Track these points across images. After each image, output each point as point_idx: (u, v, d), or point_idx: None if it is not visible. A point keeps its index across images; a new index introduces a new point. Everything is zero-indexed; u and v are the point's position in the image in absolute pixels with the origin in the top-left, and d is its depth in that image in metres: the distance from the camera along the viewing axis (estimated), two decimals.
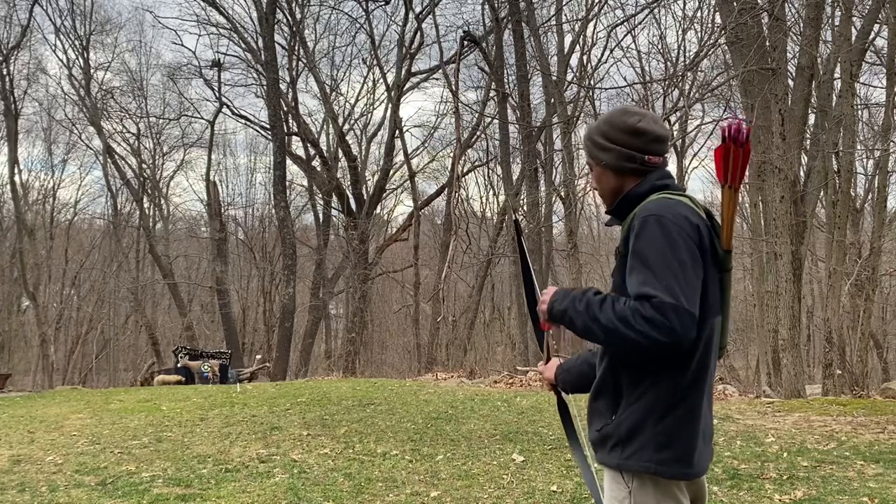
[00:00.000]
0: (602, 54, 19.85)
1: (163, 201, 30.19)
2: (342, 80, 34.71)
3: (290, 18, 23.81)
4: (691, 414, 1.92)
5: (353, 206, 24.31)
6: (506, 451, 5.93)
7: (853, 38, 11.49)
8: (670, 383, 1.90)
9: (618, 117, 2.08)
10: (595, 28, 25.07)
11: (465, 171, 22.68)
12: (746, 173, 2.16)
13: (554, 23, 17.75)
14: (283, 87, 23.35)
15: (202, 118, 27.88)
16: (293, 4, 23.68)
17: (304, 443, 6.44)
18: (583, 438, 2.21)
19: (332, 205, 25.07)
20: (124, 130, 28.13)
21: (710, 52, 15.08)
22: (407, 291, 26.69)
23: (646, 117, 2.06)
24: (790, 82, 12.16)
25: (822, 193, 12.90)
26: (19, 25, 24.83)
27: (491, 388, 10.76)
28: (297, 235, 25.53)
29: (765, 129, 11.83)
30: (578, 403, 2.26)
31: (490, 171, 24.35)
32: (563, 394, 2.34)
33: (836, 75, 11.83)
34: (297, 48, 24.47)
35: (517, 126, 17.39)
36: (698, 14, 17.58)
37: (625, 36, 18.65)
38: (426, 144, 26.42)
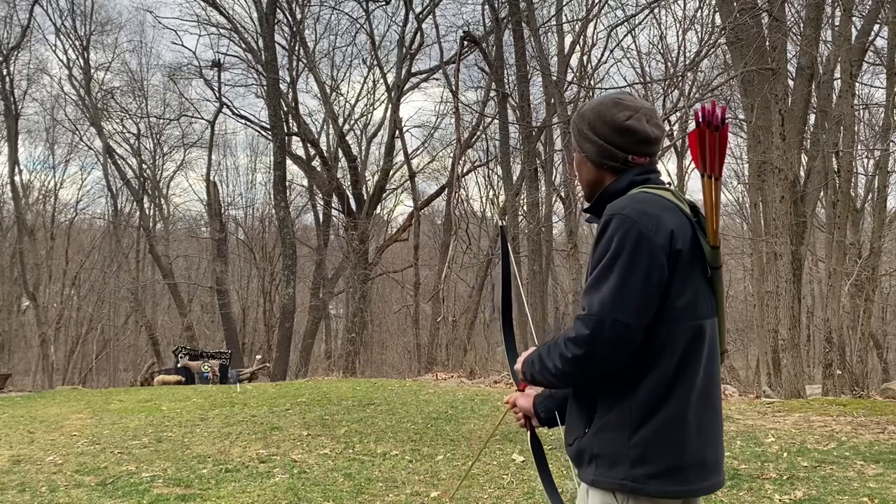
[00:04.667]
0: (602, 54, 19.91)
1: (163, 201, 30.25)
2: (342, 80, 34.65)
3: (290, 18, 23.80)
4: (673, 426, 1.75)
5: (353, 206, 24.30)
6: (506, 451, 5.93)
7: (853, 38, 11.48)
8: (642, 393, 1.75)
9: (608, 109, 1.88)
10: (595, 28, 25.07)
11: (465, 171, 22.63)
12: (726, 161, 2.07)
13: (554, 23, 17.74)
14: (283, 87, 23.35)
15: (202, 118, 27.94)
16: (293, 4, 23.67)
17: (304, 443, 6.44)
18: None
19: (332, 205, 25.06)
20: (124, 131, 28.21)
21: (710, 52, 15.09)
22: (407, 291, 26.67)
23: (638, 113, 1.86)
24: (790, 82, 12.15)
25: (822, 193, 12.90)
26: (19, 25, 24.89)
27: (491, 388, 10.75)
28: (297, 235, 25.54)
29: (765, 129, 11.82)
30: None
31: (490, 171, 24.38)
32: (538, 428, 2.18)
33: (836, 75, 11.82)
34: (297, 48, 24.46)
35: (517, 126, 17.37)
36: (698, 14, 17.56)
37: (625, 36, 18.70)
38: (426, 144, 26.45)
